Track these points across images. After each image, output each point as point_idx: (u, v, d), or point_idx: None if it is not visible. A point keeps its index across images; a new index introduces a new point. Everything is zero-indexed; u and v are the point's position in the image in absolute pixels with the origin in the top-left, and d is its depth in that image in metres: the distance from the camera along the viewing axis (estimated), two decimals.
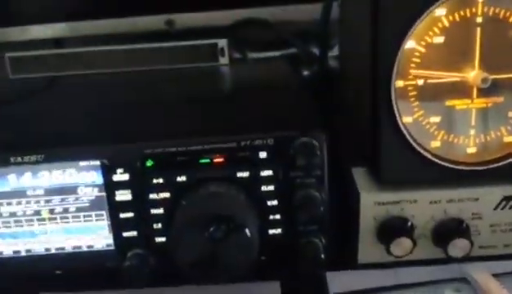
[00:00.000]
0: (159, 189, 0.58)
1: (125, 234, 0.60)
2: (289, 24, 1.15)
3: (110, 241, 0.61)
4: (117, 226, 0.60)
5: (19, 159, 0.59)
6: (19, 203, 0.60)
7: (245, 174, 0.58)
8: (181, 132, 0.60)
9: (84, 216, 0.61)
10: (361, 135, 0.75)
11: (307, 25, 1.10)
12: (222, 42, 1.03)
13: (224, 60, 1.02)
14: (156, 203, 0.59)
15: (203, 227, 0.53)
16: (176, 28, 1.22)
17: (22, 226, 0.61)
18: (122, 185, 0.58)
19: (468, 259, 0.70)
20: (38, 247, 0.62)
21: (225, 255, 0.54)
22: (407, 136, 0.66)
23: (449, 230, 0.69)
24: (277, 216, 0.59)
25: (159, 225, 0.59)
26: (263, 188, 0.58)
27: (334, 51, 0.98)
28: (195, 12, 1.20)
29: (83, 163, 0.59)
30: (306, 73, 1.02)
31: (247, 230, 0.55)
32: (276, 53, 1.10)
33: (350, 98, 0.81)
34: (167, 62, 1.02)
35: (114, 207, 0.59)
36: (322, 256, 0.60)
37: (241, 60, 1.05)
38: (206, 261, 0.56)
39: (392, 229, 0.70)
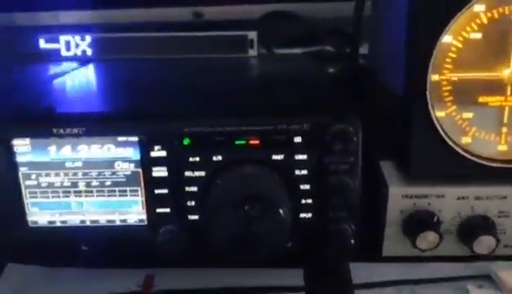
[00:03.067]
0: (194, 167, 0.59)
1: (159, 210, 0.61)
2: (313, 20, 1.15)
3: (143, 216, 0.63)
4: (151, 202, 0.61)
5: (61, 131, 0.61)
6: (57, 175, 0.62)
7: (280, 157, 0.59)
8: (218, 113, 0.61)
9: (119, 191, 0.62)
10: (390, 130, 0.76)
11: (330, 22, 1.11)
12: (252, 34, 1.04)
13: (253, 52, 1.04)
14: (191, 181, 0.60)
15: (238, 206, 0.54)
16: (204, 20, 1.24)
17: (59, 197, 0.63)
18: (158, 162, 0.60)
19: (493, 257, 0.70)
20: (73, 218, 0.63)
21: (258, 234, 0.55)
22: (440, 131, 0.67)
23: (475, 227, 0.70)
24: (309, 201, 0.60)
25: (193, 203, 0.60)
26: (297, 172, 0.59)
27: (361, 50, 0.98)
28: (224, 5, 1.22)
29: (121, 139, 0.60)
30: (331, 69, 1.03)
31: (281, 211, 0.56)
32: (302, 50, 1.10)
33: (381, 93, 0.82)
34: (196, 51, 1.04)
35: (150, 183, 0.60)
36: (352, 241, 0.61)
37: (267, 53, 1.06)
38: (238, 240, 0.56)
39: (419, 222, 0.70)
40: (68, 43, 1.05)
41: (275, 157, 0.59)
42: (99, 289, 0.66)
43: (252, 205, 0.54)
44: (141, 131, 0.59)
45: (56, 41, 1.05)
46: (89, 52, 1.04)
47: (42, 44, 1.04)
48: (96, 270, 0.69)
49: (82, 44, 1.05)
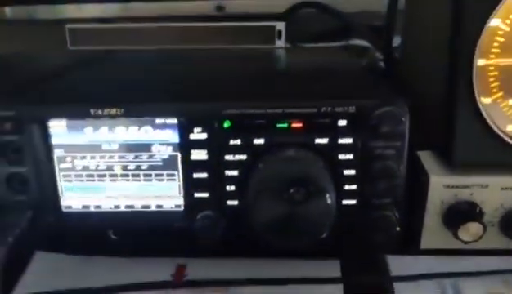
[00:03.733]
0: (235, 150, 0.57)
1: (197, 195, 0.59)
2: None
3: (180, 202, 0.61)
4: (189, 186, 0.59)
5: (98, 112, 0.59)
6: (93, 157, 0.60)
7: (324, 141, 0.56)
8: (260, 96, 0.59)
9: (156, 175, 0.60)
10: (428, 119, 0.74)
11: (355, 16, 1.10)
12: (280, 25, 1.02)
13: (281, 43, 1.02)
14: (231, 165, 0.58)
15: (282, 190, 0.52)
16: (226, 13, 1.23)
17: (94, 181, 0.61)
18: (198, 144, 0.58)
19: None
20: (108, 203, 0.61)
21: (301, 220, 0.53)
22: (485, 118, 0.64)
23: None
24: (353, 187, 0.58)
25: (233, 188, 0.58)
26: (341, 156, 0.57)
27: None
28: None
29: (159, 121, 0.59)
30: (365, 62, 1.01)
31: (327, 195, 0.54)
32: (331, 43, 1.09)
33: (418, 83, 0.79)
34: (223, 42, 1.02)
35: (188, 167, 0.58)
36: (397, 229, 0.59)
37: (295, 46, 1.04)
38: (281, 226, 0.54)
39: (461, 213, 0.68)
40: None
41: (318, 141, 0.57)
42: (129, 279, 0.64)
43: (297, 189, 0.52)
44: (180, 113, 0.57)
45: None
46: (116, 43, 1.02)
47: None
48: (126, 259, 0.68)
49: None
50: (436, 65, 0.68)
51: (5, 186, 0.59)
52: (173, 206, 0.61)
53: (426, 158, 0.72)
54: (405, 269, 0.64)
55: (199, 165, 0.58)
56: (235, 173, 0.57)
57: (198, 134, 0.57)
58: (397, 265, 0.66)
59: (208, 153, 0.57)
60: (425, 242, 0.71)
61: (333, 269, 0.68)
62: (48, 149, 0.59)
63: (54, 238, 0.67)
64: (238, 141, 0.57)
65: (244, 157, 0.57)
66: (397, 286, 0.65)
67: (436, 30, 0.67)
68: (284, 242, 0.56)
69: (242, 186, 0.57)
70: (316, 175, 0.54)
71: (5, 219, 0.60)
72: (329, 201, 0.54)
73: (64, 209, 0.61)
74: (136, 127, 0.58)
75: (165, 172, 0.60)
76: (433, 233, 0.70)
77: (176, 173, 0.59)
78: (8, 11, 1.28)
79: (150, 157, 0.59)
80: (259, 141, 0.56)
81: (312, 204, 0.54)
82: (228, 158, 0.57)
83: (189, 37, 1.03)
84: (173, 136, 0.58)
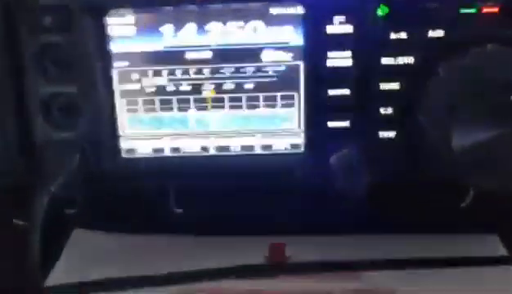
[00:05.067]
0: (397, 50, 0.37)
1: (331, 124, 0.38)
2: None
3: (300, 140, 0.40)
4: (318, 112, 0.41)
5: None
6: (171, 73, 0.40)
7: None
8: None
9: (263, 99, 0.40)
10: None
11: None
12: None
13: None
14: (391, 73, 0.37)
15: (491, 97, 0.31)
16: None
17: (171, 110, 0.40)
18: (337, 43, 0.37)
19: None
20: (191, 144, 0.43)
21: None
22: None
23: None
24: None
25: (389, 110, 0.38)
26: None
27: None
28: None
29: (275, 10, 0.38)
30: None
31: None
32: None
33: None
34: None
35: (319, 83, 0.38)
36: None
37: None
38: (495, 153, 0.34)
39: None
40: None
41: None
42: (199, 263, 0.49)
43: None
44: None
45: None
46: None
47: None
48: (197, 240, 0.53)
49: None
50: None
51: (45, 115, 0.38)
52: (288, 146, 0.43)
53: None
54: None
55: (337, 75, 0.37)
56: (395, 86, 0.36)
57: (339, 26, 0.39)
58: None
59: (354, 57, 0.39)
60: None
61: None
62: (106, 59, 0.42)
63: (99, 207, 0.52)
64: (401, 34, 0.35)
65: (410, 59, 0.36)
66: None
67: None
68: (493, 182, 0.35)
69: (408, 106, 0.36)
70: None
71: (44, 165, 0.40)
72: None
73: (124, 154, 0.43)
74: (239, 22, 0.41)
75: (279, 93, 0.41)
76: None
77: (295, 94, 0.38)
78: None
79: (258, 69, 0.41)
80: (435, 33, 0.35)
81: None
82: (386, 61, 0.36)
83: None
84: (295, 35, 0.40)
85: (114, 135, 0.44)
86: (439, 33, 0.39)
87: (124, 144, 0.44)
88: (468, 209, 0.50)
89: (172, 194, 0.53)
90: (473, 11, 0.39)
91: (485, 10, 0.39)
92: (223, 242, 0.52)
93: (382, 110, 0.40)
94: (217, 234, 0.53)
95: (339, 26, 0.40)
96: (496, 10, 0.39)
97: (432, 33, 0.39)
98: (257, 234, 0.52)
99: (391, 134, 0.41)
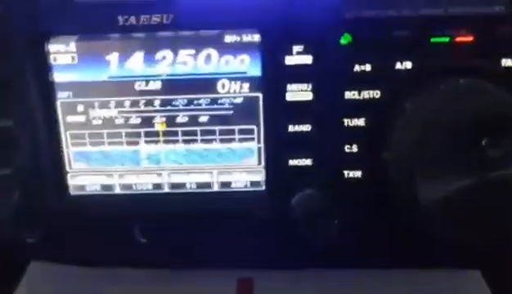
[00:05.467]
0: (362, 81, 0.34)
1: (292, 163, 0.35)
2: None
3: (260, 176, 0.37)
4: (278, 149, 0.39)
5: (131, 20, 0.37)
6: (119, 105, 0.36)
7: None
8: None
9: (222, 133, 0.36)
10: None
11: None
12: None
13: None
14: (355, 108, 0.34)
15: (462, 140, 0.28)
16: None
17: (120, 144, 0.37)
18: (297, 76, 0.34)
19: None
20: (143, 181, 0.41)
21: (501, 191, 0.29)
22: None
23: None
24: None
25: (354, 148, 0.35)
26: None
27: None
28: None
29: (230, 38, 0.35)
30: None
31: None
32: None
33: None
34: None
35: (277, 115, 0.35)
36: None
37: None
38: (463, 204, 0.30)
39: None
40: None
41: (505, 62, 0.32)
42: None
43: (491, 139, 0.28)
44: (265, 22, 0.35)
45: None
46: None
47: None
48: (162, 273, 0.49)
49: None
50: None
51: None
52: (248, 183, 0.39)
53: None
54: None
55: (298, 110, 0.34)
56: (359, 122, 0.33)
57: (297, 56, 0.34)
58: None
59: (314, 90, 0.33)
60: None
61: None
62: (48, 89, 0.39)
63: (55, 239, 0.45)
64: (366, 66, 0.32)
65: (376, 93, 0.33)
66: None
67: None
68: (466, 233, 0.31)
69: (373, 144, 0.33)
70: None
71: None
72: None
73: (72, 191, 0.38)
74: (191, 50, 0.34)
75: (237, 127, 0.37)
76: None
77: (255, 128, 0.35)
78: None
79: (214, 102, 0.37)
80: (402, 65, 0.32)
81: None
82: (350, 95, 0.33)
83: None
84: (252, 64, 0.35)
85: (60, 171, 0.40)
86: (407, 64, 0.35)
87: (72, 181, 0.41)
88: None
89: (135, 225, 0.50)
90: (445, 40, 0.36)
91: (459, 39, 0.36)
92: (189, 275, 0.49)
93: (346, 148, 0.37)
94: (183, 267, 0.50)
95: (297, 56, 0.36)
96: (470, 39, 0.35)
97: (399, 65, 0.35)
98: (225, 267, 0.49)
99: (356, 173, 0.37)
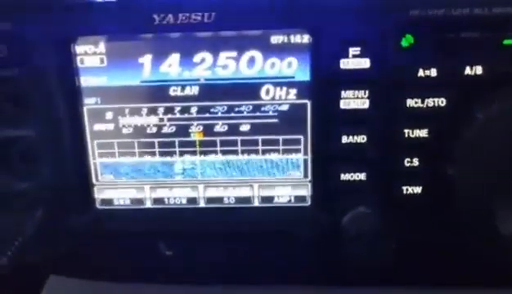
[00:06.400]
0: (423, 89, 0.30)
1: (344, 177, 0.31)
2: None
3: (305, 190, 0.35)
4: (328, 161, 0.35)
5: (168, 19, 0.33)
6: (152, 112, 0.33)
7: None
8: None
9: (265, 143, 0.34)
10: None
11: None
12: None
13: None
14: (415, 118, 0.31)
15: None
16: None
17: (153, 155, 0.34)
18: (350, 81, 0.31)
19: None
20: (176, 195, 0.37)
21: None
22: None
23: None
24: None
25: (415, 162, 0.31)
26: None
27: None
28: None
29: (276, 38, 0.31)
30: None
31: None
32: None
33: None
34: None
35: (328, 124, 0.32)
36: None
37: None
38: None
39: None
40: None
41: None
42: None
43: None
44: (316, 20, 0.32)
45: None
46: None
47: None
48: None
49: None
50: None
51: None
52: (292, 198, 0.35)
53: None
54: None
55: (352, 119, 0.30)
56: (421, 133, 0.29)
57: (352, 59, 0.32)
58: None
59: (371, 97, 0.29)
60: None
61: None
62: (74, 95, 0.35)
63: (78, 254, 0.43)
64: (431, 71, 0.28)
65: (441, 101, 0.29)
66: None
67: None
68: None
69: (437, 158, 0.29)
70: None
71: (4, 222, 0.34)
72: None
73: (99, 205, 0.36)
74: (233, 52, 0.31)
75: (282, 137, 0.33)
76: None
77: (301, 138, 0.31)
78: None
79: (257, 108, 0.33)
80: (472, 70, 0.28)
81: None
82: (411, 103, 0.29)
83: None
84: (301, 68, 0.31)
85: (86, 184, 0.37)
86: (478, 69, 0.32)
87: (99, 194, 0.37)
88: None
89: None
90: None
91: None
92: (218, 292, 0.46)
93: (406, 162, 0.33)
94: (213, 283, 0.46)
95: (353, 59, 0.32)
96: None
97: (468, 70, 0.32)
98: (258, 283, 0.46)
99: (416, 189, 0.33)
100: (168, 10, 0.32)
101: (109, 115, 0.36)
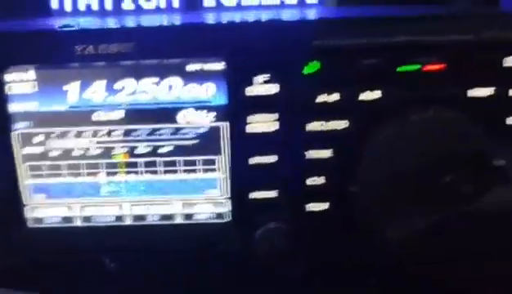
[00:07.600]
0: (327, 111, 0.34)
1: (255, 195, 0.34)
2: None
3: (225, 207, 0.37)
4: (242, 180, 0.38)
5: (90, 50, 0.35)
6: (79, 135, 0.35)
7: (485, 92, 0.32)
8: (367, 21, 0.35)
9: (185, 163, 0.37)
10: None
11: None
12: None
13: None
14: (320, 139, 0.34)
15: (432, 176, 0.27)
16: None
17: (80, 175, 0.36)
18: (262, 105, 0.33)
19: None
20: (104, 213, 0.40)
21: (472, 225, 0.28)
22: None
23: None
24: None
25: (321, 179, 0.34)
26: None
27: None
28: None
29: (192, 67, 0.34)
30: None
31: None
32: None
33: None
34: None
35: (242, 145, 0.35)
36: None
37: None
38: (430, 238, 0.29)
39: None
40: None
41: (473, 93, 0.32)
42: None
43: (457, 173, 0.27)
44: (232, 50, 0.35)
45: None
46: None
47: None
48: None
49: None
50: None
51: None
52: (213, 214, 0.39)
53: None
54: None
55: (261, 141, 0.34)
56: (324, 154, 0.32)
57: (262, 86, 0.35)
58: None
59: (281, 119, 0.34)
60: None
61: None
62: (4, 121, 0.38)
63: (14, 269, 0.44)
64: (334, 96, 0.31)
65: (343, 123, 0.32)
66: None
67: None
68: (433, 268, 0.30)
69: (340, 176, 0.32)
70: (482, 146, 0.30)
71: None
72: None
73: (30, 224, 0.39)
74: (155, 78, 0.35)
75: (200, 158, 0.36)
76: None
77: (218, 158, 0.34)
78: None
79: (177, 131, 0.36)
80: (369, 95, 0.31)
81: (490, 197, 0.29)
82: (314, 126, 0.32)
83: None
84: (217, 93, 0.36)
85: (17, 204, 0.39)
86: (376, 94, 0.34)
87: (30, 214, 0.39)
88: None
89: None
90: (414, 68, 0.35)
91: (428, 67, 0.35)
92: None
93: (310, 180, 0.35)
94: None
95: (263, 85, 0.35)
96: (441, 66, 0.35)
97: (363, 95, 0.34)
98: None
99: (320, 207, 0.36)
100: (88, 41, 0.35)
101: (39, 138, 0.38)
